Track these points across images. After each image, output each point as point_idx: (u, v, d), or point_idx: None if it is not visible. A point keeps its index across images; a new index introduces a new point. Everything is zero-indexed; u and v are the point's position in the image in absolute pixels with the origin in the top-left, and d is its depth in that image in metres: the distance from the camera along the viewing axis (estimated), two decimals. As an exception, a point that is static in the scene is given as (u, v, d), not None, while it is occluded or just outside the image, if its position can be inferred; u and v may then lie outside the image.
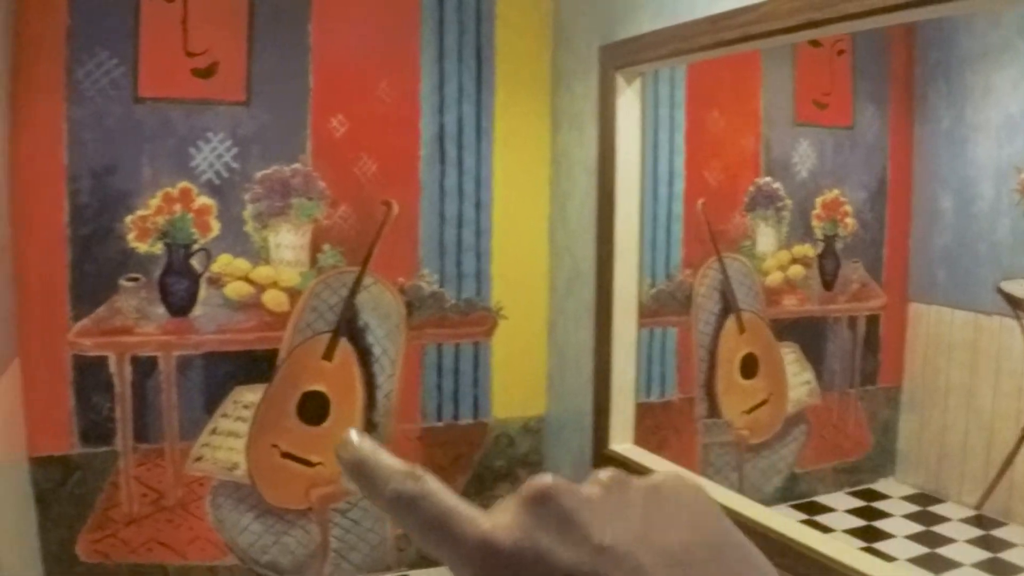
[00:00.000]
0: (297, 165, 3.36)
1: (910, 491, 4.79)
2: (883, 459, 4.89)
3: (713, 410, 4.19)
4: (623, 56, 3.19)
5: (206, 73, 3.27)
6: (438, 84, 3.57)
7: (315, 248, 3.40)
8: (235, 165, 3.30)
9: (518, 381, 3.80)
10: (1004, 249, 4.38)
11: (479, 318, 3.70)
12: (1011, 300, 4.32)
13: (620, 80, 3.24)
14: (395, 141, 3.52)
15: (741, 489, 4.28)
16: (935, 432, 4.75)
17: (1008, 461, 4.35)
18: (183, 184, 3.24)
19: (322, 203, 3.40)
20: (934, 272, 4.73)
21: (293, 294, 3.38)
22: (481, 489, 3.75)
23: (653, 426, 3.96)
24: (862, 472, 4.80)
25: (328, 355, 3.43)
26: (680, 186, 3.96)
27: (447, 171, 3.61)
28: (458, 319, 3.66)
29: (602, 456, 3.36)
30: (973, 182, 4.54)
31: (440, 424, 3.68)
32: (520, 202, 3.75)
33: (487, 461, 3.77)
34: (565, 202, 3.67)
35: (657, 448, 3.89)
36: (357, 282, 3.46)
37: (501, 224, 3.71)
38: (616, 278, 3.30)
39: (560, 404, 3.75)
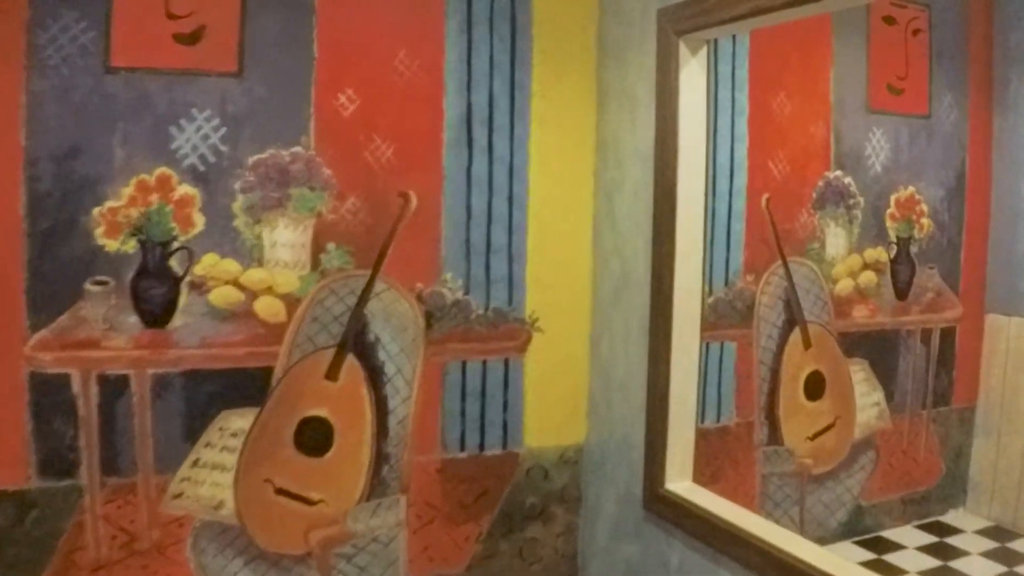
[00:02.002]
0: (297, 149, 2.77)
1: (984, 524, 4.16)
2: (954, 488, 4.26)
3: (774, 436, 3.57)
4: (687, 19, 2.57)
5: (191, 39, 2.68)
6: (466, 56, 2.96)
7: (318, 248, 2.80)
8: (223, 148, 2.70)
9: (555, 405, 3.18)
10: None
11: (510, 331, 3.09)
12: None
13: (683, 49, 2.61)
14: (414, 122, 2.92)
15: (802, 524, 3.67)
16: (1014, 458, 4.12)
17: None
18: (161, 170, 2.64)
19: (327, 194, 2.79)
20: (1015, 280, 4.10)
21: (291, 302, 2.77)
22: (510, 529, 3.13)
23: (707, 455, 3.35)
24: (931, 503, 4.17)
25: (332, 374, 2.82)
26: (743, 179, 3.34)
27: (475, 158, 3.00)
28: (486, 332, 3.04)
29: (656, 496, 2.74)
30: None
31: (464, 455, 3.06)
32: (560, 196, 3.14)
33: (517, 497, 3.15)
34: (613, 196, 3.05)
35: (711, 481, 3.28)
36: (367, 288, 2.85)
37: (537, 221, 3.10)
38: (676, 285, 2.69)
39: (604, 432, 3.12)
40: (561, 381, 3.18)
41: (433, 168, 2.95)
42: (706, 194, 2.71)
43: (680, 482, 2.74)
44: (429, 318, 2.95)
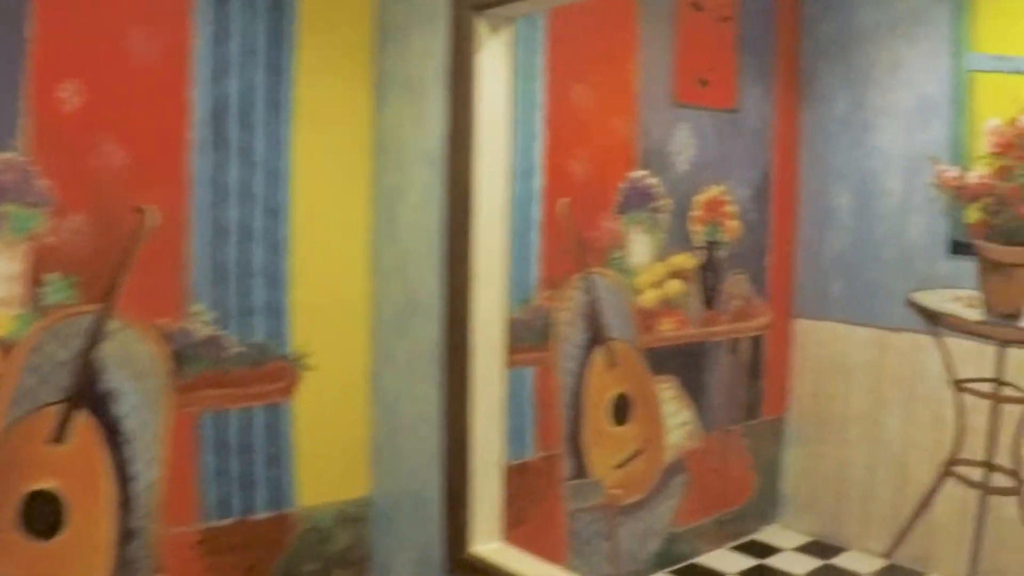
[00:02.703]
0: (9, 155, 2.52)
1: (802, 539, 4.43)
2: (768, 503, 4.52)
3: (580, 468, 3.64)
4: (488, -8, 2.54)
5: None
6: (216, 37, 2.79)
7: (35, 278, 2.55)
8: (-99, 156, 2.42)
9: (331, 455, 3.06)
10: (916, 254, 4.05)
11: (275, 371, 2.94)
12: (926, 313, 4.00)
13: (482, 27, 2.57)
14: (152, 119, 2.69)
15: (614, 559, 3.78)
16: (831, 469, 4.41)
17: (925, 501, 4.06)
18: None
19: (44, 211, 2.56)
20: (827, 283, 4.38)
21: (3, 347, 2.53)
22: (286, 604, 3.04)
23: (508, 496, 3.34)
24: (745, 521, 4.41)
25: (59, 436, 2.59)
26: (538, 182, 3.37)
27: (228, 162, 2.83)
28: (246, 373, 2.88)
29: (459, 561, 2.70)
30: (876, 175, 4.18)
31: (227, 522, 2.88)
32: (331, 206, 3.02)
33: (294, 566, 3.01)
34: (395, 205, 2.98)
35: (514, 525, 3.28)
36: (98, 327, 2.64)
37: (304, 237, 2.97)
38: (475, 309, 2.67)
39: (393, 484, 3.04)
40: (338, 426, 3.07)
41: (176, 176, 2.74)
42: (511, 200, 2.72)
43: (488, 543, 2.70)
44: (177, 360, 2.77)
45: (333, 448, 3.08)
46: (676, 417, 3.99)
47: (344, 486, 3.11)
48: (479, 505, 2.70)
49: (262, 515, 2.96)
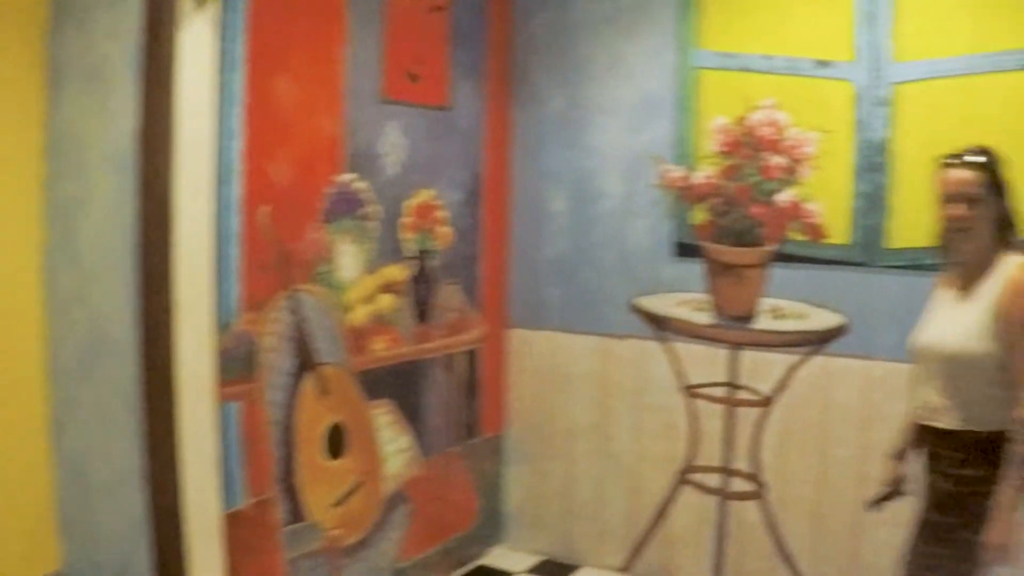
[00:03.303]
0: None
1: (533, 560, 4.30)
2: (493, 525, 4.34)
3: (296, 511, 3.25)
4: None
5: None
6: None
7: None
8: None
9: (7, 526, 2.53)
10: (640, 257, 4.01)
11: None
12: (652, 319, 3.96)
13: (184, 2, 2.18)
14: None
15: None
16: (558, 485, 4.30)
17: (661, 511, 4.01)
18: None
19: None
20: (544, 290, 4.26)
21: None
22: None
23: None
24: (472, 545, 4.21)
25: None
26: (237, 188, 2.96)
27: None
28: None
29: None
30: (595, 177, 4.10)
31: None
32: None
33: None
34: (74, 218, 2.51)
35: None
36: None
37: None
38: (179, 342, 2.25)
39: (90, 556, 2.55)
40: (12, 493, 2.55)
41: None
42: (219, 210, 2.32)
43: (207, 616, 2.33)
44: None
45: (8, 519, 2.53)
46: (394, 444, 3.71)
47: (28, 564, 2.58)
48: (198, 573, 2.28)
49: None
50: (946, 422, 2.64)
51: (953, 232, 2.65)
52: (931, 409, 2.68)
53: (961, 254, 2.70)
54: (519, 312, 4.31)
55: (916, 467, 2.75)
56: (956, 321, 2.65)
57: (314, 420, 3.34)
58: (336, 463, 3.45)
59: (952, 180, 2.63)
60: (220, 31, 2.37)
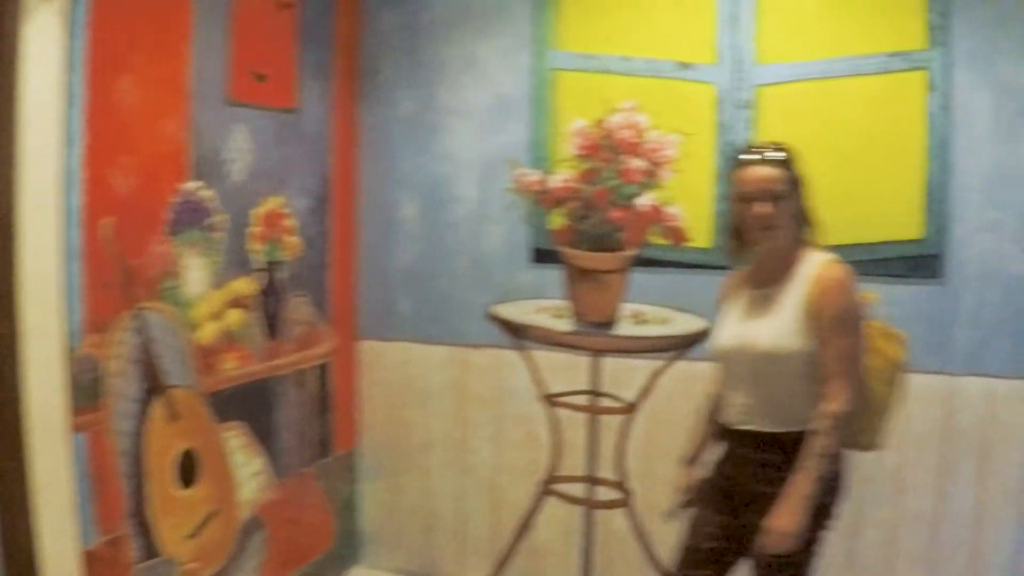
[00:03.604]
0: None
1: (395, 580, 4.17)
2: (350, 545, 4.16)
3: (150, 547, 3.00)
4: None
5: None
6: None
7: None
8: None
9: None
10: (495, 264, 3.91)
11: None
12: (509, 327, 3.87)
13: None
14: None
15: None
16: (416, 501, 4.15)
17: (525, 523, 3.91)
18: None
19: None
20: (395, 300, 4.11)
21: None
22: None
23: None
24: (330, 567, 4.02)
25: None
26: (77, 198, 2.70)
27: None
28: None
29: None
30: (448, 181, 3.99)
31: None
32: None
33: None
34: None
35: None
36: None
37: None
38: (28, 371, 2.02)
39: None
40: None
41: None
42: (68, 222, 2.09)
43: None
44: None
45: None
46: (247, 468, 3.51)
47: None
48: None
49: None
50: (765, 425, 2.61)
51: (759, 231, 2.60)
52: (746, 412, 2.66)
53: (764, 252, 2.66)
54: (370, 323, 4.14)
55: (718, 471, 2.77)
56: (767, 321, 2.62)
57: (164, 448, 3.10)
58: (189, 492, 3.21)
59: (756, 178, 2.59)
60: (68, 26, 2.14)
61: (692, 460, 2.88)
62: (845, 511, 3.50)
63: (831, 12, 3.50)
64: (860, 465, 3.51)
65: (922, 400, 3.44)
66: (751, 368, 2.63)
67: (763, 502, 2.56)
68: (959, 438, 3.49)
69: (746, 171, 2.62)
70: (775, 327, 2.59)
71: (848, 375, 2.55)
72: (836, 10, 3.50)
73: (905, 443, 3.47)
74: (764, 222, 2.58)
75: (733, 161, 2.69)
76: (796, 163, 2.62)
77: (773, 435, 2.60)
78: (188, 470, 3.20)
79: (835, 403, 2.52)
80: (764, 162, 2.60)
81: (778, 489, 2.53)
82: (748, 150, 2.68)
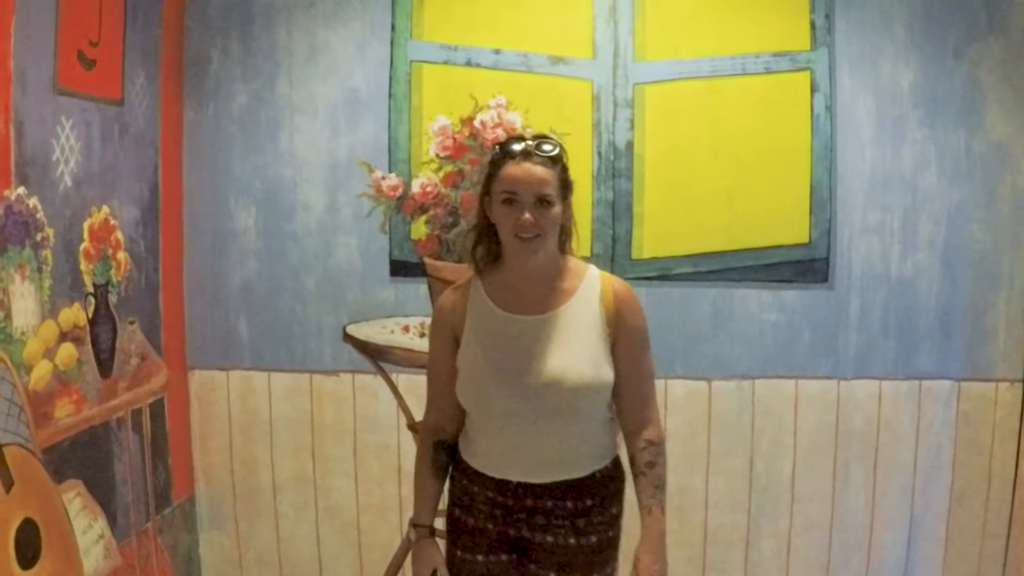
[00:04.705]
0: None
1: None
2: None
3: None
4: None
5: None
6: None
7: None
8: None
9: None
10: (348, 279, 3.49)
11: None
12: (367, 349, 3.46)
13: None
14: None
15: None
16: (265, 550, 3.65)
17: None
18: None
19: None
20: (231, 323, 3.59)
21: None
22: None
23: None
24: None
25: None
26: None
27: None
28: None
29: None
30: (291, 187, 3.51)
31: None
32: None
33: None
34: None
35: None
36: None
37: None
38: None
39: None
40: None
41: None
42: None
43: None
44: None
45: None
46: (89, 534, 2.92)
47: None
48: None
49: None
50: (572, 471, 2.27)
51: (521, 240, 2.16)
52: (546, 461, 2.26)
53: (520, 266, 2.23)
54: (202, 351, 3.58)
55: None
56: (565, 350, 2.21)
57: (1, 522, 2.51)
58: (32, 572, 2.62)
59: (525, 178, 2.14)
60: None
61: (432, 531, 2.41)
62: (741, 524, 3.46)
63: (715, 8, 3.41)
64: (757, 477, 3.50)
65: (815, 406, 3.49)
66: (554, 405, 2.21)
67: (585, 555, 2.31)
68: (850, 442, 3.54)
69: (512, 167, 2.16)
70: (584, 356, 2.22)
71: (655, 396, 2.35)
72: (720, 6, 3.41)
73: (800, 451, 3.47)
74: (529, 230, 2.15)
75: (496, 152, 2.22)
76: (566, 162, 2.22)
77: (583, 479, 2.29)
78: (28, 544, 2.60)
79: (657, 428, 2.31)
80: (536, 159, 2.16)
81: (602, 536, 2.32)
82: (516, 140, 2.20)
